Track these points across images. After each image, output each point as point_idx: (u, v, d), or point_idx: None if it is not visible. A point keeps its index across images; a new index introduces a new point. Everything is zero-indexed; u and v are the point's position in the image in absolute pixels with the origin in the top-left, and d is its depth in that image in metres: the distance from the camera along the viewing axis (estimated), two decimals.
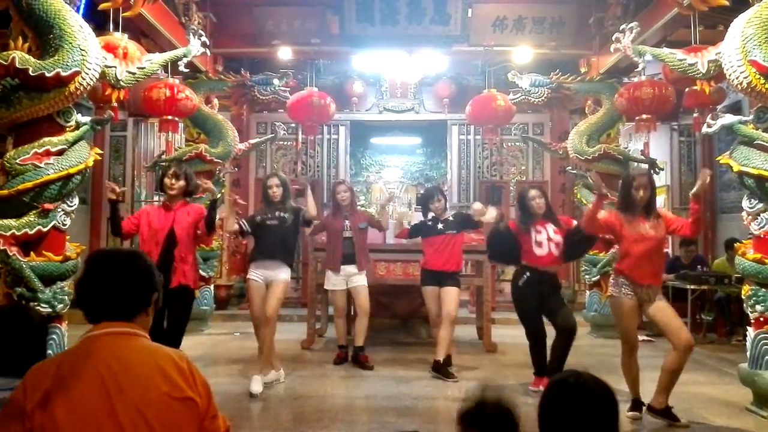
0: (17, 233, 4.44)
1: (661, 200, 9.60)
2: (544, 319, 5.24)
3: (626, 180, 4.59)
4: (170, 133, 7.72)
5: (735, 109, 7.95)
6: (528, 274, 5.21)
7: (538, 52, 8.40)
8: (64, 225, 4.74)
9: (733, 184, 8.89)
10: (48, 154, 4.54)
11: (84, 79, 4.52)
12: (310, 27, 8.31)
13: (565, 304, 5.39)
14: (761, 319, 4.64)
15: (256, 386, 5.05)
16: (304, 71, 9.82)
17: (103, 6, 5.59)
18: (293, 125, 10.73)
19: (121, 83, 5.06)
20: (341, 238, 6.20)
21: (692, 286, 7.52)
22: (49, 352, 4.35)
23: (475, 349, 7.02)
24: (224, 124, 8.16)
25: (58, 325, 4.65)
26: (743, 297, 4.80)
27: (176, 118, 7.38)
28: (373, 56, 9.49)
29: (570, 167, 8.97)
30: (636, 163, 7.85)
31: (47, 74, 4.32)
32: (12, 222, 4.45)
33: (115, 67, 5.01)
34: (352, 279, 6.20)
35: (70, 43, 4.43)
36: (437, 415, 4.70)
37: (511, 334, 7.33)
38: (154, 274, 1.80)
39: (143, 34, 6.90)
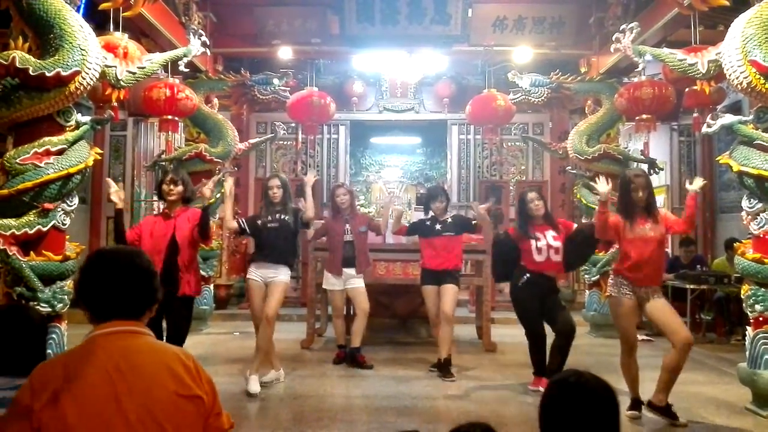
0: (17, 233, 4.44)
1: (660, 200, 9.60)
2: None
3: (624, 182, 4.58)
4: (170, 133, 7.73)
5: (735, 109, 7.96)
6: (527, 275, 5.22)
7: (538, 52, 8.40)
8: (64, 224, 4.74)
9: (732, 184, 8.89)
10: (48, 153, 4.54)
11: (84, 78, 4.52)
12: (310, 27, 8.32)
13: (564, 306, 5.39)
14: (760, 318, 4.64)
15: (254, 386, 5.06)
16: (304, 71, 9.82)
17: (103, 6, 5.59)
18: (293, 125, 10.73)
19: (121, 83, 5.06)
20: (342, 242, 6.20)
21: (692, 286, 7.52)
22: (49, 351, 4.36)
23: (474, 349, 7.02)
24: (224, 124, 8.16)
25: (58, 324, 4.65)
26: (742, 297, 4.81)
27: (176, 118, 7.39)
28: (373, 56, 9.49)
29: (570, 167, 8.98)
30: (635, 164, 7.86)
31: (47, 74, 4.32)
32: (12, 221, 4.45)
33: (116, 66, 5.01)
34: (350, 281, 6.21)
35: (71, 42, 4.43)
36: (437, 414, 4.71)
37: (510, 333, 7.33)
38: (156, 273, 1.81)
39: (143, 33, 6.90)
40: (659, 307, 4.42)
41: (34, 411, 1.52)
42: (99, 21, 5.63)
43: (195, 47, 6.04)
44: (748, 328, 4.82)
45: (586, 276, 8.22)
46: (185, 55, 6.00)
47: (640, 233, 4.46)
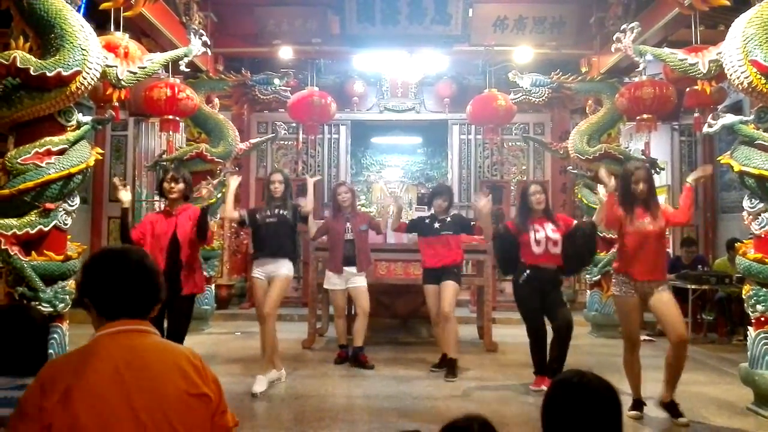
0: (18, 233, 4.45)
1: (661, 200, 9.57)
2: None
3: (625, 175, 4.60)
4: (171, 133, 7.74)
5: (736, 109, 7.96)
6: (528, 271, 5.23)
7: (538, 51, 8.40)
8: (65, 224, 4.74)
9: (733, 184, 8.89)
10: (49, 153, 4.55)
11: (85, 78, 4.52)
12: (311, 27, 8.32)
13: (563, 302, 5.38)
14: (762, 318, 4.64)
15: (259, 386, 5.05)
16: (304, 71, 9.82)
17: (104, 6, 5.60)
18: (294, 125, 10.74)
19: (122, 83, 5.06)
20: (342, 240, 6.21)
21: (693, 286, 7.52)
22: (51, 351, 4.37)
23: (476, 349, 7.02)
24: (225, 124, 8.16)
25: (60, 324, 4.66)
26: (744, 297, 4.81)
27: (177, 118, 7.39)
28: (373, 56, 9.49)
29: (571, 167, 8.98)
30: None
31: (48, 74, 4.32)
32: (13, 221, 4.45)
33: (116, 66, 5.01)
34: (351, 280, 6.21)
35: (71, 42, 4.43)
36: (438, 414, 4.70)
37: (511, 333, 7.33)
38: (161, 273, 1.83)
39: (144, 33, 6.90)
40: (663, 301, 4.44)
41: (45, 409, 1.53)
42: (100, 21, 5.64)
43: (196, 47, 6.05)
44: (749, 328, 4.82)
45: (587, 276, 8.21)
46: (186, 55, 6.00)
47: (639, 226, 4.48)
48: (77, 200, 4.89)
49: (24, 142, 4.57)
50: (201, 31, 6.28)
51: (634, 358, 4.56)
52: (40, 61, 4.37)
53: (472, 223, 6.11)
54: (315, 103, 9.04)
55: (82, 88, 4.56)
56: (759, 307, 4.63)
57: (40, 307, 4.37)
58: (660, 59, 5.79)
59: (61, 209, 4.67)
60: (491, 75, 9.58)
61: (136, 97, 7.74)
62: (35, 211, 4.53)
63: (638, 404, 4.52)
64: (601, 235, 7.87)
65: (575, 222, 5.52)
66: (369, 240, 6.50)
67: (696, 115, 7.20)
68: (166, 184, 4.77)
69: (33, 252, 4.52)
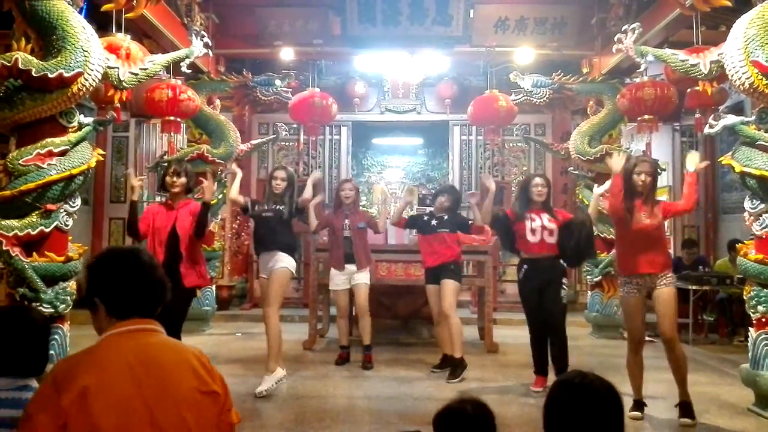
0: (20, 234, 4.46)
1: (663, 200, 9.59)
2: None
3: (629, 165, 4.62)
4: (172, 134, 7.74)
5: (737, 109, 7.94)
6: (525, 266, 5.28)
7: (540, 52, 8.40)
8: (67, 225, 4.75)
9: (735, 185, 8.89)
10: (50, 154, 4.56)
11: (87, 80, 4.53)
12: (312, 28, 8.32)
13: (558, 299, 5.17)
14: (763, 319, 4.63)
15: (264, 385, 5.04)
16: (306, 72, 9.82)
17: (105, 7, 5.60)
18: (295, 126, 10.73)
19: (124, 84, 5.07)
20: (341, 237, 6.22)
21: (694, 287, 7.51)
22: (52, 352, 4.37)
23: (476, 350, 7.01)
24: (226, 125, 8.17)
25: (61, 325, 4.66)
26: (745, 298, 4.80)
27: (178, 119, 7.40)
28: (374, 57, 9.50)
29: (572, 168, 8.98)
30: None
31: (50, 75, 4.33)
32: (14, 222, 4.46)
33: (118, 68, 5.02)
34: (353, 277, 6.21)
35: (73, 44, 4.44)
36: None
37: (512, 334, 7.33)
38: (164, 272, 1.86)
39: (146, 35, 6.91)
40: (661, 298, 4.46)
41: (62, 407, 1.53)
42: (101, 22, 5.64)
43: (197, 48, 6.06)
44: (750, 329, 4.82)
45: (588, 277, 8.21)
46: (187, 57, 6.01)
47: (636, 219, 4.50)
48: (78, 201, 4.90)
49: (25, 143, 4.58)
50: (202, 32, 6.30)
51: (637, 358, 4.57)
52: (41, 62, 4.38)
53: (470, 221, 6.11)
54: (316, 104, 9.04)
55: (84, 89, 4.57)
56: (760, 308, 4.63)
57: (41, 308, 4.38)
58: (661, 60, 5.79)
59: (62, 210, 4.68)
60: (492, 76, 9.58)
61: (138, 99, 7.75)
62: (36, 212, 4.54)
63: (639, 405, 4.52)
64: (602, 236, 7.90)
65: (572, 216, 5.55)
66: (369, 240, 6.51)
67: (697, 116, 7.19)
68: (168, 178, 4.78)
69: (34, 253, 4.53)
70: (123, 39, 5.70)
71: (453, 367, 5.70)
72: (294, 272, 5.50)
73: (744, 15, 4.57)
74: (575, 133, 8.24)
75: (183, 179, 4.76)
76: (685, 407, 4.40)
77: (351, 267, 6.20)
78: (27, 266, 4.46)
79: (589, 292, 8.43)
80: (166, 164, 7.73)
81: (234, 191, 5.61)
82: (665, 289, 4.46)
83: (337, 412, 4.71)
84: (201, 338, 7.54)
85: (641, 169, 4.53)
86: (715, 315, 7.95)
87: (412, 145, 14.13)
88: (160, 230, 4.61)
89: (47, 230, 4.57)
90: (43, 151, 4.52)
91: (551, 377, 5.13)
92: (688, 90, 7.01)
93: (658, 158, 8.59)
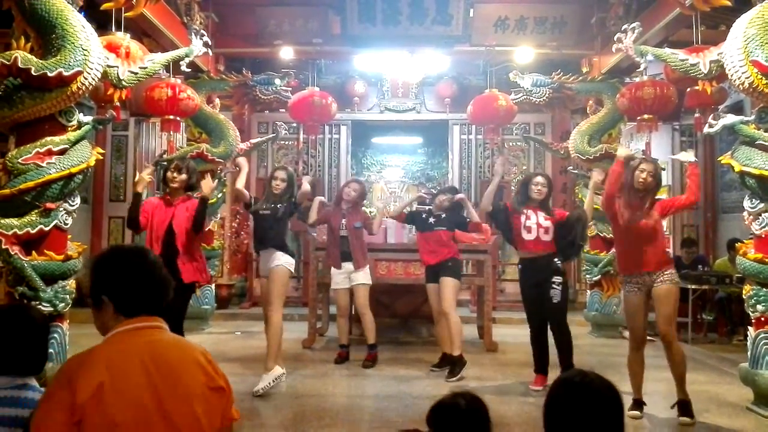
0: (19, 232, 4.45)
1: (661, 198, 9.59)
2: None
3: (632, 166, 4.64)
4: (172, 133, 7.74)
5: (737, 109, 7.94)
6: (521, 266, 5.35)
7: (539, 52, 8.40)
8: (66, 224, 4.75)
9: (734, 184, 8.89)
10: (50, 153, 4.55)
11: (86, 78, 4.53)
12: (312, 27, 8.32)
13: (556, 301, 5.15)
14: (762, 318, 4.64)
15: (262, 384, 5.04)
16: (305, 71, 9.83)
17: (105, 6, 5.60)
18: (295, 125, 10.73)
19: (123, 83, 5.07)
20: (337, 235, 6.24)
21: (693, 286, 7.51)
22: (51, 351, 4.37)
23: (476, 349, 7.01)
24: (226, 124, 8.17)
25: (60, 324, 4.66)
26: (744, 297, 4.81)
27: (178, 118, 7.39)
28: (374, 56, 9.49)
29: (571, 167, 8.98)
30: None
31: (49, 74, 4.33)
32: (14, 221, 4.46)
33: (117, 66, 5.02)
34: (352, 277, 6.22)
35: (73, 42, 4.44)
36: None
37: (512, 333, 7.34)
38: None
39: (145, 33, 6.91)
40: (659, 296, 4.47)
41: (77, 404, 1.54)
42: (101, 21, 5.64)
43: (197, 47, 6.05)
44: (749, 328, 4.83)
45: (588, 276, 8.22)
46: (187, 55, 6.00)
47: (632, 218, 4.51)
48: (78, 200, 4.89)
49: (25, 142, 4.58)
50: (202, 31, 6.29)
51: (638, 356, 4.58)
52: (41, 61, 4.37)
53: (467, 220, 6.12)
54: (316, 103, 9.03)
55: (83, 88, 4.56)
56: (759, 307, 4.63)
57: (40, 306, 4.38)
58: (661, 59, 5.79)
59: (61, 209, 4.67)
60: (492, 75, 9.58)
61: (137, 97, 7.76)
62: (36, 210, 4.53)
63: (638, 404, 4.53)
64: (601, 235, 7.91)
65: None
66: (369, 239, 6.51)
67: (697, 115, 7.19)
68: (169, 173, 4.79)
69: (33, 252, 4.52)
70: (122, 38, 5.70)
71: (452, 365, 5.70)
72: (292, 270, 5.50)
73: (744, 14, 4.57)
74: (575, 133, 8.24)
75: (183, 176, 4.77)
76: (684, 406, 4.40)
77: (349, 266, 6.21)
78: (26, 265, 4.45)
79: (588, 291, 8.44)
80: (165, 163, 7.76)
81: (240, 182, 5.59)
82: (663, 287, 4.46)
83: (337, 410, 4.71)
84: (200, 337, 7.55)
85: (644, 168, 4.54)
86: (714, 314, 7.96)
87: (412, 145, 14.13)
88: (158, 226, 4.62)
89: (46, 229, 4.56)
90: (42, 150, 4.52)
91: (551, 376, 5.13)
92: (688, 89, 7.02)
93: (658, 158, 8.57)
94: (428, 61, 9.42)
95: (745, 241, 5.09)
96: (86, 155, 4.74)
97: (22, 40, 4.49)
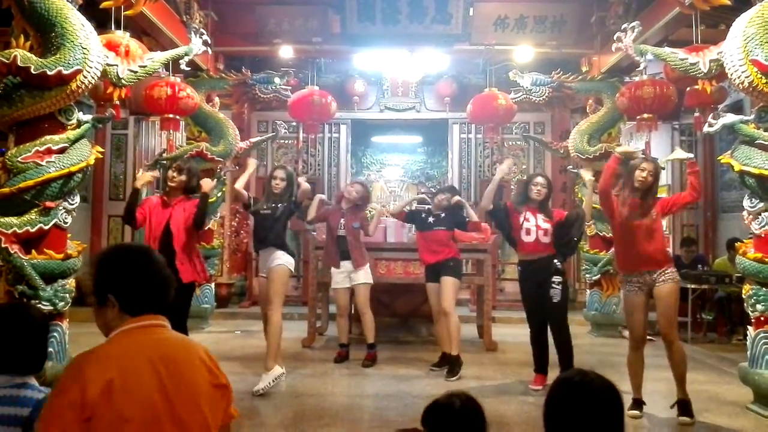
0: (19, 231, 4.45)
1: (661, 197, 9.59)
2: None
3: (632, 165, 4.65)
4: (171, 132, 7.74)
5: (736, 108, 7.94)
6: (520, 268, 5.35)
7: (539, 51, 8.40)
8: (66, 223, 4.74)
9: (734, 184, 8.89)
10: (49, 152, 4.55)
11: (85, 77, 4.52)
12: (311, 26, 8.32)
13: (556, 300, 5.13)
14: (762, 318, 4.64)
15: (262, 384, 5.04)
16: (305, 70, 9.82)
17: (105, 4, 5.60)
18: (294, 124, 10.73)
19: (123, 81, 5.06)
20: (335, 235, 6.25)
21: (693, 286, 7.50)
22: (50, 350, 4.37)
23: (475, 348, 7.02)
24: (225, 123, 8.16)
25: (60, 323, 4.66)
26: (744, 296, 4.81)
27: (177, 117, 7.39)
28: (374, 55, 9.48)
29: (571, 166, 8.97)
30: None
31: (49, 72, 4.32)
32: (13, 220, 4.46)
33: (117, 65, 5.01)
34: (352, 276, 6.22)
35: (72, 41, 4.43)
36: None
37: (511, 332, 7.34)
38: None
39: (145, 32, 6.91)
40: (661, 296, 4.47)
41: (87, 401, 1.55)
42: (100, 19, 5.63)
43: (196, 46, 6.04)
44: (749, 327, 4.83)
45: (587, 275, 8.22)
46: (186, 54, 5.99)
47: (630, 216, 4.51)
48: (77, 199, 4.89)
49: (24, 140, 4.57)
50: (201, 29, 6.28)
51: (638, 356, 4.58)
52: (40, 59, 4.37)
53: (467, 220, 6.12)
54: (315, 102, 9.04)
55: (83, 86, 4.56)
56: (759, 307, 4.63)
57: (40, 305, 4.37)
58: (661, 59, 5.78)
59: (61, 208, 4.67)
60: (492, 74, 9.57)
61: (137, 96, 7.75)
62: (35, 209, 4.53)
63: (638, 403, 4.53)
64: (601, 234, 7.91)
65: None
66: (369, 239, 6.51)
67: (696, 114, 7.19)
68: (169, 172, 4.81)
69: (33, 250, 4.52)
70: (122, 36, 5.69)
71: (450, 364, 5.71)
72: (292, 269, 5.50)
73: (743, 14, 4.57)
74: (574, 132, 8.24)
75: (183, 177, 4.77)
76: (684, 405, 4.40)
77: (348, 265, 6.21)
78: (26, 263, 4.45)
79: (587, 290, 8.44)
80: (164, 162, 7.76)
81: (240, 183, 5.59)
82: (664, 286, 4.46)
83: (336, 410, 4.71)
84: (200, 336, 7.54)
85: (644, 167, 4.54)
86: (714, 314, 7.96)
87: (412, 144, 14.14)
88: (155, 226, 4.63)
89: (46, 227, 4.56)
90: (42, 149, 4.51)
91: (551, 376, 5.14)
92: (688, 89, 7.01)
93: (658, 157, 8.57)
94: (428, 60, 9.42)
95: (744, 240, 5.09)
96: (86, 154, 4.74)
97: (22, 39, 4.48)
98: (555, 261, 5.18)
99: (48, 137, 4.56)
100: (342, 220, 6.25)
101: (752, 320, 4.74)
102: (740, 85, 4.54)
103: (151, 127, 10.10)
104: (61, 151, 4.60)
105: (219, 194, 7.81)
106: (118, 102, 5.56)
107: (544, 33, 8.28)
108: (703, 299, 7.96)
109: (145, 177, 4.80)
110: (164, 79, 7.20)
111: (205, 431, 1.69)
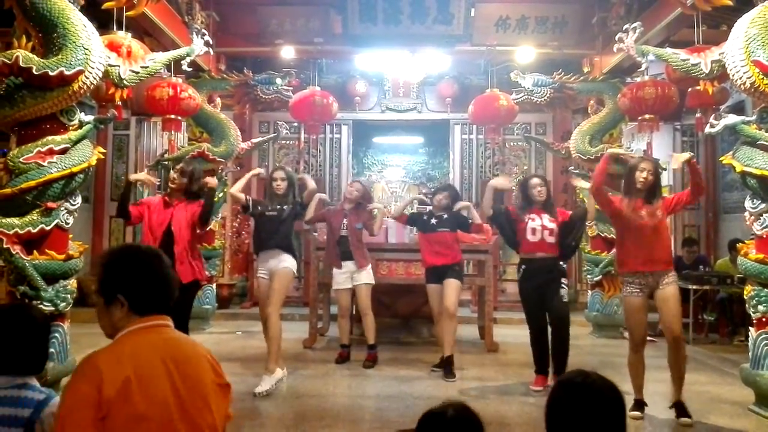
0: (20, 232, 4.45)
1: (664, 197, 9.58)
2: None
3: (632, 165, 4.65)
4: (173, 132, 7.74)
5: (738, 109, 7.94)
6: (524, 266, 5.30)
7: (540, 51, 8.40)
8: (67, 223, 4.75)
9: (735, 185, 8.88)
10: (51, 152, 4.55)
11: (87, 77, 4.52)
12: (313, 26, 8.33)
13: (560, 297, 5.19)
14: (763, 319, 4.63)
15: (264, 386, 5.04)
16: (306, 70, 9.82)
17: (107, 5, 5.60)
18: (296, 124, 10.73)
19: (125, 82, 5.06)
20: (337, 235, 6.23)
21: (694, 287, 7.50)
22: (52, 351, 4.38)
23: (476, 349, 7.02)
24: (227, 123, 8.17)
25: (61, 323, 4.66)
26: (745, 297, 4.80)
27: (179, 117, 7.40)
28: (375, 56, 9.48)
29: (572, 167, 8.96)
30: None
31: (51, 73, 4.32)
32: (15, 220, 4.46)
33: (119, 66, 5.01)
34: (355, 277, 6.22)
35: (74, 41, 4.43)
36: None
37: (512, 333, 7.33)
38: None
39: (146, 33, 6.91)
40: (664, 297, 4.46)
41: (104, 400, 1.56)
42: (102, 20, 5.64)
43: (198, 47, 6.04)
44: (750, 328, 4.82)
45: (589, 276, 8.21)
46: (188, 55, 5.99)
47: (635, 217, 4.50)
48: (79, 199, 4.89)
49: (26, 141, 4.58)
50: (203, 30, 6.28)
51: (638, 357, 4.57)
52: (42, 60, 4.37)
53: (469, 221, 6.11)
54: (317, 103, 9.04)
55: (85, 87, 4.56)
56: (760, 308, 4.63)
57: (41, 306, 4.38)
58: (662, 59, 5.77)
59: (62, 208, 4.67)
60: (493, 75, 9.57)
61: (139, 97, 7.76)
62: (37, 210, 4.53)
63: (639, 404, 4.52)
64: (602, 235, 7.91)
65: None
66: (371, 240, 6.50)
67: (698, 115, 7.18)
68: (171, 173, 4.87)
69: (35, 251, 4.52)
70: (124, 37, 5.71)
71: (447, 365, 5.71)
72: (295, 272, 5.51)
73: (745, 14, 4.56)
74: (576, 132, 8.24)
75: (184, 180, 4.78)
76: (681, 407, 4.40)
77: (350, 265, 6.21)
78: (27, 264, 4.45)
79: (589, 291, 8.43)
80: (166, 162, 7.77)
81: (236, 187, 5.60)
82: (670, 288, 4.45)
83: (337, 410, 4.71)
84: (201, 336, 7.54)
85: (644, 167, 4.54)
86: (715, 314, 7.95)
87: (413, 144, 14.14)
88: (156, 228, 4.63)
89: (48, 228, 4.56)
90: (43, 149, 4.52)
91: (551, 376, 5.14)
92: (689, 89, 7.01)
93: (659, 158, 8.58)
94: (429, 61, 9.41)
95: (746, 241, 5.08)
96: (87, 154, 4.74)
97: (24, 39, 4.49)
98: (561, 264, 5.23)
99: (50, 138, 4.56)
100: (345, 220, 6.24)
101: (754, 321, 4.73)
102: (742, 86, 4.54)
103: (153, 128, 10.11)
104: (63, 151, 4.60)
105: (220, 195, 7.80)
106: (119, 103, 5.56)
107: (546, 34, 8.28)
108: (705, 300, 7.96)
109: (140, 175, 4.81)
110: (166, 80, 7.21)
111: (213, 431, 1.71)
